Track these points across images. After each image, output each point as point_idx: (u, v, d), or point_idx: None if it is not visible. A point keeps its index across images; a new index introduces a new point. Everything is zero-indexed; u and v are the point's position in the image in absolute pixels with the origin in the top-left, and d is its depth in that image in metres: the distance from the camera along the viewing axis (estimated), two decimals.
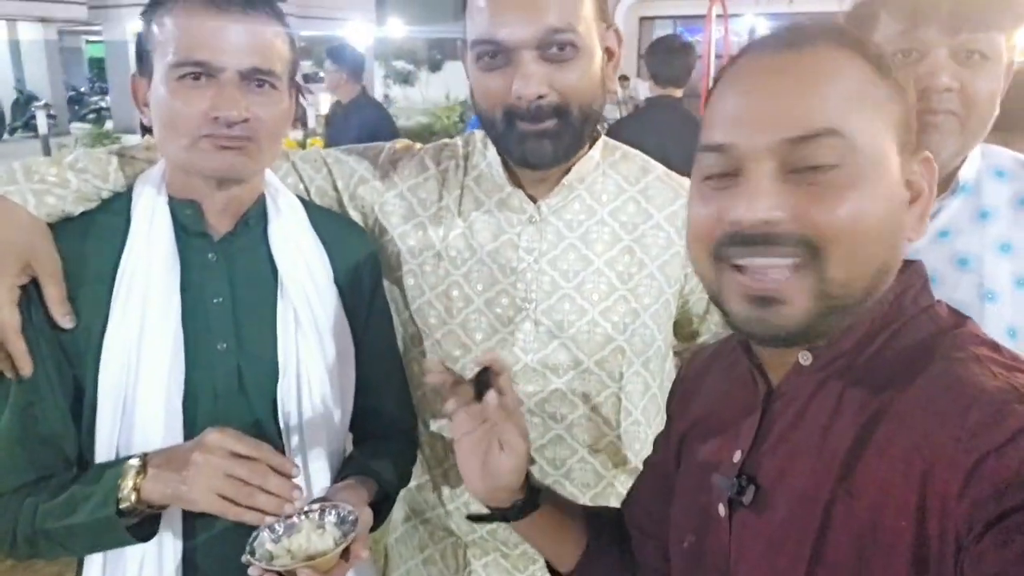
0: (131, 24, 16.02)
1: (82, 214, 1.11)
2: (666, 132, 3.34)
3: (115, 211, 1.11)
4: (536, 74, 1.13)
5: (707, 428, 0.88)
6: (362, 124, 4.45)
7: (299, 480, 1.04)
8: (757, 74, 0.72)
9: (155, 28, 1.05)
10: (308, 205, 1.23)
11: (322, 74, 4.83)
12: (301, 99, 1.19)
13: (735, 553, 0.77)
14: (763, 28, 17.58)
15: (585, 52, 1.15)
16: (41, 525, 1.03)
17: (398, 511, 1.50)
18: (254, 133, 1.05)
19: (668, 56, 3.79)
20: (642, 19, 20.79)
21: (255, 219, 1.15)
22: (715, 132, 0.73)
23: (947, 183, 1.20)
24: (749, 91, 0.72)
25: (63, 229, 1.08)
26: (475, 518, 1.12)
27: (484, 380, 0.97)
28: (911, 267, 0.75)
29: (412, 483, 1.42)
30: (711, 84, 0.78)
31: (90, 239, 1.09)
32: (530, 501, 1.02)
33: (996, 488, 0.57)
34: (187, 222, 1.11)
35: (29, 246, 1.03)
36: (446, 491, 1.37)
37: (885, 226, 0.69)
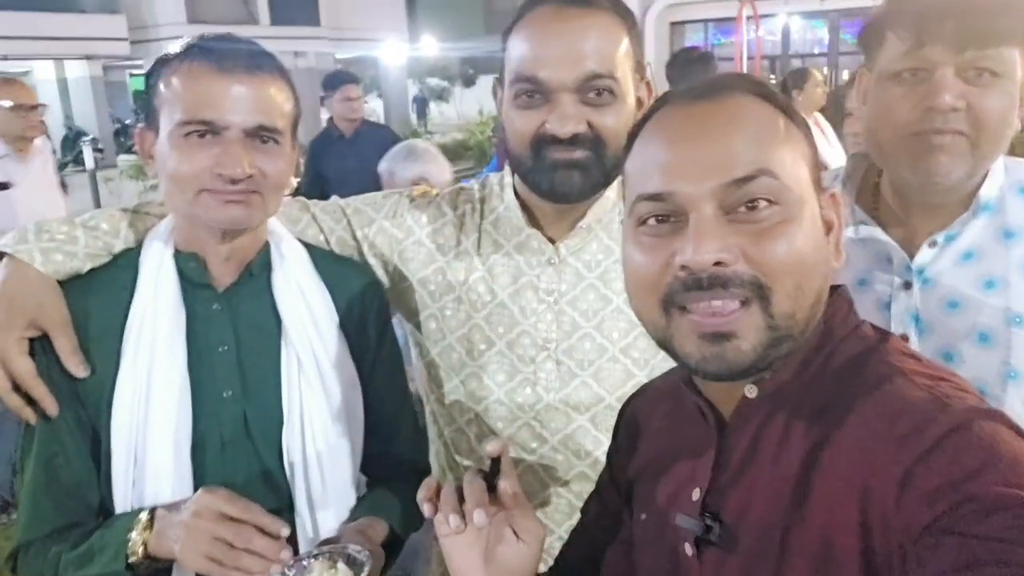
0: None
1: (92, 270, 1.14)
2: None
3: (123, 266, 1.15)
4: (574, 115, 1.14)
5: (659, 469, 0.87)
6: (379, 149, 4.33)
7: (307, 527, 1.09)
8: (682, 123, 0.75)
9: (162, 85, 1.08)
10: (312, 250, 1.25)
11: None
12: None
13: None
14: (796, 26, 17.36)
15: (621, 99, 1.17)
16: (64, 574, 1.06)
17: None
18: (258, 187, 1.08)
19: (687, 67, 3.90)
20: (673, 24, 20.62)
21: (259, 268, 1.18)
22: (650, 181, 0.74)
23: (967, 203, 1.16)
24: (677, 140, 0.74)
25: (73, 286, 1.12)
26: None
27: (492, 472, 0.93)
28: (836, 292, 0.79)
29: None
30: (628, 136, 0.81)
31: (100, 293, 1.12)
32: None
33: (926, 494, 0.59)
34: (192, 274, 1.14)
35: (35, 301, 1.08)
36: None
37: (817, 257, 0.73)
